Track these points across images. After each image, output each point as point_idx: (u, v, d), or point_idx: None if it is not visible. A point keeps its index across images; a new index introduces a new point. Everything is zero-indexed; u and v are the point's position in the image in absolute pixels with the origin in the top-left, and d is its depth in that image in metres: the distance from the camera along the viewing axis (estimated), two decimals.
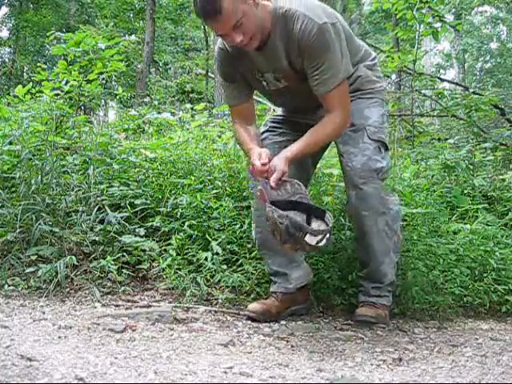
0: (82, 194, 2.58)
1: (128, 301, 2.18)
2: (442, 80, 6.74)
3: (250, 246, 2.37)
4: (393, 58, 5.18)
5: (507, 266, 2.59)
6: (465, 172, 3.58)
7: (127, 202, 2.60)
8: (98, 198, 2.57)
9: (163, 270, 2.31)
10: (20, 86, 3.45)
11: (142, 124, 4.47)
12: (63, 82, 3.55)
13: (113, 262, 2.27)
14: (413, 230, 2.52)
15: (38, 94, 3.56)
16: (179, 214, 2.52)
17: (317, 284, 2.33)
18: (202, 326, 1.93)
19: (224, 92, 2.16)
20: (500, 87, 14.48)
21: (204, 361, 1.51)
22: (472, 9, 19.98)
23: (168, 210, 2.57)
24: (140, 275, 2.39)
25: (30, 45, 19.03)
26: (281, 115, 2.26)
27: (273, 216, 1.70)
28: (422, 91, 5.71)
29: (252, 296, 2.25)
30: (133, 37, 16.74)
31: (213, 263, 2.28)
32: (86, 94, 3.65)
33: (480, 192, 3.46)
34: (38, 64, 4.79)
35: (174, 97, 13.28)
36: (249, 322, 2.04)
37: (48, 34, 4.16)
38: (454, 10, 18.15)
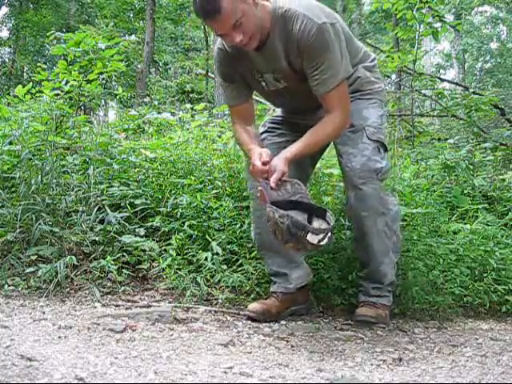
0: (82, 194, 2.58)
1: (128, 301, 2.18)
2: (442, 80, 6.74)
3: (249, 245, 2.37)
4: (393, 58, 5.18)
5: (507, 265, 2.59)
6: (465, 172, 3.58)
7: (127, 201, 2.60)
8: (98, 198, 2.57)
9: (163, 270, 2.31)
10: (20, 86, 3.45)
11: (142, 124, 4.47)
12: (63, 82, 3.55)
13: (113, 262, 2.27)
14: (413, 230, 2.52)
15: (37, 94, 3.56)
16: (179, 214, 2.52)
17: (317, 284, 2.33)
18: (202, 326, 1.93)
19: (223, 92, 2.16)
20: (500, 87, 14.49)
21: (204, 361, 1.52)
22: (472, 9, 19.98)
23: (168, 210, 2.57)
24: (140, 275, 2.39)
25: (30, 45, 19.03)
26: (280, 116, 2.26)
27: (273, 216, 1.70)
28: (422, 91, 5.71)
29: (252, 296, 2.25)
30: (133, 37, 16.77)
31: (213, 263, 2.28)
32: (86, 94, 3.65)
33: (480, 192, 3.46)
34: (38, 64, 4.79)
35: (174, 97, 13.29)
36: (249, 322, 2.04)
37: (48, 34, 4.17)
38: (454, 9, 18.15)
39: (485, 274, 2.53)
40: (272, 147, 2.05)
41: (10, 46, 19.33)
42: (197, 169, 2.90)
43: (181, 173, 2.87)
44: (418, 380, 1.47)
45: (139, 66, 13.54)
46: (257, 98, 3.18)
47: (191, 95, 13.86)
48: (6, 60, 19.48)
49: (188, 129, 3.79)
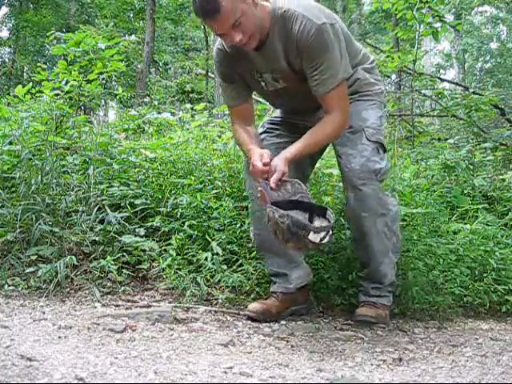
0: (82, 194, 2.58)
1: (128, 301, 2.18)
2: (442, 80, 6.74)
3: (249, 245, 2.37)
4: (393, 58, 5.18)
5: (507, 265, 2.59)
6: (465, 172, 3.58)
7: (127, 201, 2.60)
8: (98, 198, 2.57)
9: (163, 270, 2.31)
10: (20, 86, 3.45)
11: (142, 124, 4.46)
12: (63, 82, 3.55)
13: (113, 262, 2.27)
14: (413, 230, 2.52)
15: (37, 94, 3.56)
16: (179, 213, 2.52)
17: (317, 284, 2.33)
18: (202, 326, 1.93)
19: (223, 93, 2.16)
20: (500, 87, 14.49)
21: (204, 361, 1.52)
22: (472, 9, 19.99)
23: (168, 210, 2.57)
24: (140, 275, 2.39)
25: (30, 45, 19.04)
26: (278, 117, 2.26)
27: (274, 216, 1.70)
28: (422, 91, 5.71)
29: (252, 296, 2.25)
30: (133, 37, 16.77)
31: (213, 263, 2.28)
32: (86, 94, 3.64)
33: (480, 192, 3.46)
34: (38, 64, 4.79)
35: (174, 97, 13.29)
36: (249, 322, 2.04)
37: (48, 34, 4.16)
38: (454, 9, 18.16)
39: (485, 274, 2.53)
40: (271, 148, 2.05)
41: (10, 46, 19.33)
42: (197, 169, 2.90)
43: (181, 173, 2.87)
44: (418, 380, 1.47)
45: (139, 66, 13.55)
46: (257, 98, 3.18)
47: (191, 95, 13.87)
48: (6, 60, 19.48)
49: (188, 129, 3.79)
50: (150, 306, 2.10)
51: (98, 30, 14.19)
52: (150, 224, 2.54)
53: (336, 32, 1.90)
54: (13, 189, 2.64)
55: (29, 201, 2.44)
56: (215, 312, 2.12)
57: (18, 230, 2.37)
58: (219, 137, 3.57)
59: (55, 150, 2.79)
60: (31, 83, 3.61)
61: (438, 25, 5.04)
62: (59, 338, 1.65)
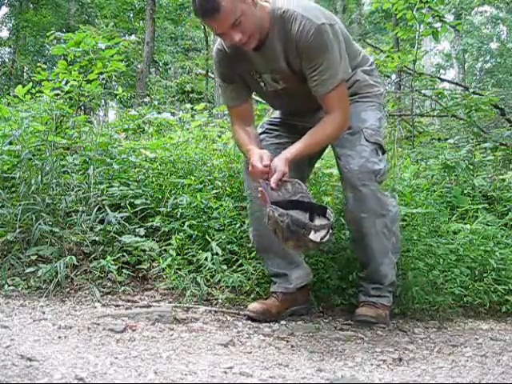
0: (82, 194, 2.58)
1: (128, 301, 2.18)
2: (442, 80, 6.74)
3: (249, 245, 2.37)
4: (393, 58, 5.18)
5: (507, 265, 2.59)
6: (465, 172, 3.58)
7: (127, 201, 2.60)
8: (98, 198, 2.57)
9: (163, 270, 2.31)
10: (20, 86, 3.45)
11: (142, 124, 4.46)
12: (63, 82, 3.55)
13: (113, 262, 2.27)
14: (413, 230, 2.52)
15: (37, 94, 3.56)
16: (179, 214, 2.52)
17: (317, 284, 2.33)
18: (202, 326, 1.93)
19: (223, 93, 2.16)
20: (500, 87, 14.49)
21: (204, 361, 1.52)
22: (472, 9, 19.98)
23: (168, 210, 2.57)
24: (140, 275, 2.39)
25: (30, 45, 19.04)
26: (278, 118, 2.26)
27: (273, 215, 1.70)
28: (422, 91, 5.71)
29: (252, 296, 2.25)
30: (133, 37, 16.77)
31: (213, 263, 2.28)
32: (86, 94, 3.64)
33: (480, 192, 3.46)
34: (38, 64, 4.79)
35: (174, 97, 13.29)
36: (249, 321, 2.04)
37: (48, 34, 4.16)
38: (454, 9, 18.16)
39: (485, 274, 2.53)
40: (270, 148, 2.05)
41: (10, 46, 19.33)
42: (197, 169, 2.90)
43: (181, 173, 2.87)
44: (418, 380, 1.47)
45: (139, 66, 13.55)
46: (257, 98, 3.18)
47: (191, 95, 13.87)
48: (6, 60, 19.49)
49: (188, 129, 3.79)
50: (150, 306, 2.10)
51: (98, 29, 14.19)
52: (150, 224, 2.54)
53: (335, 32, 1.90)
54: (13, 189, 2.64)
55: (29, 201, 2.44)
56: (215, 312, 2.12)
57: (18, 230, 2.37)
58: (219, 137, 3.57)
59: (55, 150, 2.79)
60: (31, 83, 3.61)
61: (438, 25, 5.04)
62: (59, 338, 1.65)
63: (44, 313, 1.97)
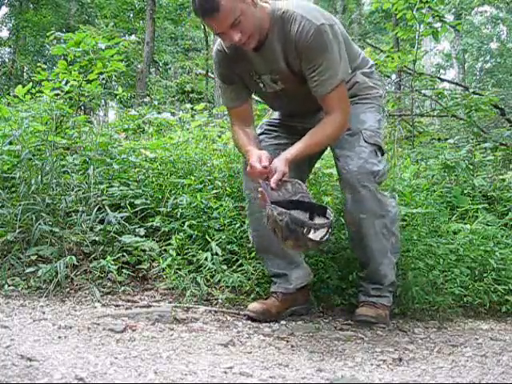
0: (82, 194, 2.58)
1: (128, 301, 2.18)
2: (442, 80, 6.73)
3: (249, 245, 2.37)
4: (393, 58, 5.18)
5: (507, 265, 2.59)
6: (465, 172, 3.58)
7: (127, 202, 2.60)
8: (98, 198, 2.57)
9: (163, 270, 2.31)
10: (20, 86, 3.45)
11: (142, 124, 4.46)
12: (63, 82, 3.55)
13: (113, 262, 2.27)
14: (413, 230, 2.52)
15: (37, 94, 3.56)
16: (179, 213, 2.52)
17: (317, 284, 2.33)
18: (202, 326, 1.93)
19: (222, 94, 2.16)
20: (500, 87, 14.50)
21: (204, 361, 1.52)
22: (472, 9, 19.99)
23: (168, 210, 2.57)
24: (140, 275, 2.39)
25: (30, 45, 19.04)
26: (277, 119, 2.26)
27: (272, 214, 1.70)
28: (422, 91, 5.71)
29: (252, 296, 2.25)
30: (133, 37, 16.78)
31: (213, 263, 2.28)
32: (86, 94, 3.65)
33: (480, 192, 3.45)
34: (38, 64, 4.79)
35: (174, 97, 13.29)
36: (249, 321, 2.04)
37: (48, 34, 4.16)
38: (454, 9, 18.16)
39: (485, 274, 2.53)
40: (268, 149, 2.05)
41: (10, 46, 19.33)
42: (197, 169, 2.90)
43: (181, 173, 2.87)
44: (418, 380, 1.47)
45: (139, 66, 13.55)
46: (257, 99, 3.18)
47: (191, 95, 13.87)
48: (6, 60, 19.48)
49: (188, 129, 3.79)
50: (150, 306, 2.10)
51: (98, 29, 14.19)
52: (150, 224, 2.54)
53: (335, 33, 1.90)
54: (13, 189, 2.64)
55: (29, 201, 2.44)
56: (215, 312, 2.12)
57: (18, 230, 2.37)
58: (219, 137, 3.57)
59: (55, 150, 2.79)
60: (31, 83, 3.61)
61: (438, 25, 5.04)
62: (59, 338, 1.65)
63: (44, 313, 1.97)
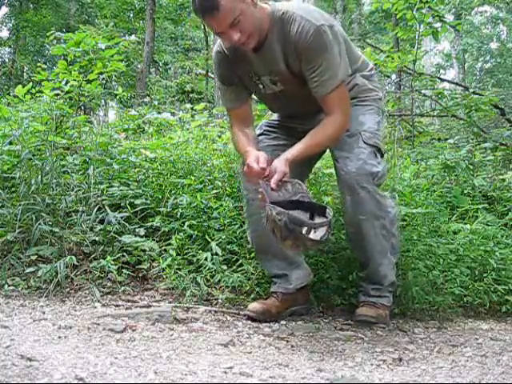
0: (82, 193, 2.58)
1: (128, 301, 2.18)
2: (442, 80, 6.73)
3: (249, 246, 2.37)
4: (393, 58, 5.18)
5: (507, 265, 2.59)
6: (465, 172, 3.58)
7: (127, 201, 2.60)
8: (98, 198, 2.57)
9: (163, 270, 2.31)
10: (20, 86, 3.45)
11: (142, 124, 4.47)
12: (63, 82, 3.55)
13: (113, 262, 2.27)
14: (413, 230, 2.52)
15: (37, 94, 3.56)
16: (179, 214, 2.52)
17: (317, 284, 2.33)
18: (202, 326, 1.93)
19: (221, 95, 2.16)
20: (500, 87, 14.49)
21: (204, 361, 1.52)
22: (472, 9, 19.99)
23: (168, 210, 2.57)
24: (140, 275, 2.39)
25: (30, 45, 19.04)
26: (276, 120, 2.26)
27: (271, 214, 1.71)
28: (422, 91, 5.70)
29: (252, 296, 2.25)
30: (133, 37, 16.78)
31: (213, 263, 2.28)
32: (86, 94, 3.65)
33: (480, 192, 3.45)
34: (38, 64, 4.79)
35: (174, 97, 13.29)
36: (249, 321, 2.04)
37: (48, 34, 4.17)
38: (454, 9, 18.15)
39: (485, 274, 2.53)
40: (267, 150, 2.05)
41: (10, 46, 19.33)
42: (197, 169, 2.90)
43: (181, 173, 2.87)
44: (418, 380, 1.47)
45: (139, 66, 13.55)
46: (257, 99, 3.18)
47: (191, 95, 13.87)
48: (6, 60, 19.49)
49: (188, 129, 3.79)
50: (150, 306, 2.10)
51: (98, 29, 14.18)
52: (150, 224, 2.54)
53: (335, 34, 1.90)
54: (13, 189, 2.64)
55: (29, 201, 2.44)
56: (215, 312, 2.12)
57: (18, 230, 2.37)
58: (219, 137, 3.57)
59: (55, 150, 2.79)
60: (31, 83, 3.61)
61: (438, 25, 5.04)
62: (59, 338, 1.65)
63: (44, 313, 1.97)
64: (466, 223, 2.85)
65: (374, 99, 2.14)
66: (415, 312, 2.32)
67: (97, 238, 2.40)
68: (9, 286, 2.20)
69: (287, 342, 1.83)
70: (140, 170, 2.87)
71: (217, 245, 2.34)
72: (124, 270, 2.32)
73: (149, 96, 10.95)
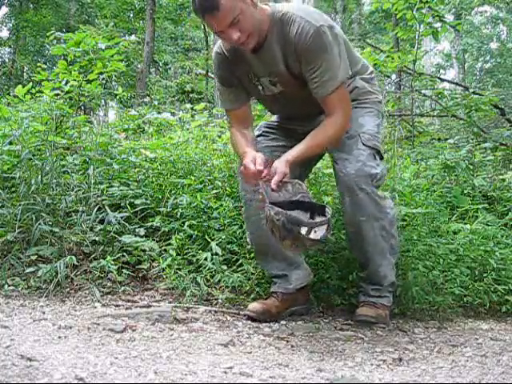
0: (82, 194, 2.58)
1: (128, 301, 2.18)
2: (442, 80, 6.73)
3: (249, 246, 2.37)
4: (393, 58, 5.18)
5: (507, 265, 2.59)
6: (465, 172, 3.58)
7: (127, 201, 2.60)
8: (98, 198, 2.57)
9: (163, 270, 2.31)
10: (20, 86, 3.45)
11: (142, 124, 4.47)
12: (63, 82, 3.55)
13: (113, 262, 2.27)
14: (413, 230, 2.52)
15: (37, 94, 3.56)
16: (179, 213, 2.52)
17: (317, 284, 2.33)
18: (202, 326, 1.93)
19: (220, 96, 2.15)
20: (500, 87, 14.49)
21: (204, 361, 1.52)
22: (472, 9, 19.98)
23: (168, 209, 2.57)
24: (140, 275, 2.39)
25: (30, 45, 19.04)
26: (276, 121, 2.26)
27: (270, 214, 1.71)
28: (422, 91, 5.70)
29: (252, 296, 2.25)
30: (133, 37, 16.77)
31: (213, 263, 2.28)
32: (86, 94, 3.65)
33: (480, 192, 3.45)
34: (38, 64, 4.79)
35: (174, 97, 13.29)
36: (249, 321, 2.04)
37: (48, 34, 4.17)
38: (454, 9, 18.15)
39: (485, 274, 2.53)
40: (265, 150, 2.06)
41: (10, 46, 19.33)
42: (197, 169, 2.90)
43: (181, 173, 2.87)
44: (418, 380, 1.47)
45: (139, 66, 13.55)
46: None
47: (191, 95, 13.86)
48: (6, 60, 19.48)
49: (188, 129, 3.79)
50: (150, 306, 2.10)
51: (98, 29, 14.18)
52: (150, 224, 2.54)
53: (334, 35, 1.90)
54: (13, 189, 2.64)
55: (29, 201, 2.44)
56: (215, 312, 2.12)
57: (18, 230, 2.37)
58: (219, 137, 3.57)
59: (55, 150, 2.79)
60: (31, 83, 3.61)
61: (438, 25, 5.04)
62: (59, 338, 1.65)
63: (44, 313, 1.97)
64: (466, 223, 2.85)
65: (373, 102, 2.14)
66: (415, 312, 2.32)
67: (97, 238, 2.40)
68: (9, 285, 2.20)
69: (287, 342, 1.83)
70: (140, 170, 2.87)
71: (217, 245, 2.34)
72: (124, 270, 2.32)
73: (149, 96, 10.95)
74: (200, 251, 2.36)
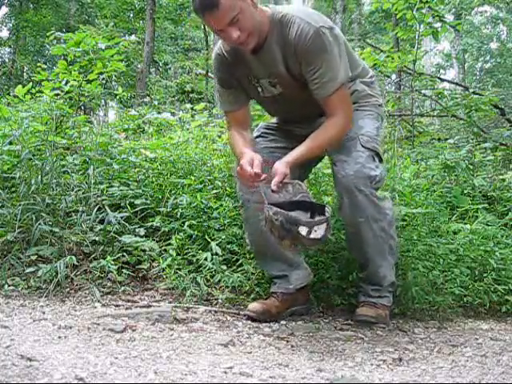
0: (82, 194, 2.58)
1: (128, 301, 2.18)
2: (442, 80, 6.73)
3: (248, 247, 2.37)
4: (393, 58, 5.18)
5: (507, 266, 2.59)
6: (465, 172, 3.58)
7: (127, 201, 2.60)
8: (98, 198, 2.57)
9: (163, 270, 2.31)
10: (20, 86, 3.45)
11: (142, 124, 4.47)
12: (63, 82, 3.55)
13: (113, 262, 2.27)
14: (413, 230, 2.52)
15: (37, 94, 3.56)
16: (179, 214, 2.52)
17: (317, 284, 2.33)
18: (202, 326, 1.93)
19: (220, 98, 2.15)
20: (500, 87, 14.49)
21: (204, 361, 1.52)
22: (472, 9, 19.98)
23: (168, 209, 2.57)
24: (140, 275, 2.39)
25: (30, 45, 19.04)
26: (275, 123, 2.26)
27: (268, 214, 1.71)
28: (422, 91, 5.70)
29: (252, 296, 2.25)
30: (133, 37, 16.77)
31: (213, 263, 2.28)
32: (86, 94, 3.65)
33: (480, 192, 3.45)
34: (38, 64, 4.79)
35: (174, 97, 13.29)
36: (249, 321, 2.04)
37: (48, 34, 4.17)
38: (454, 9, 18.15)
39: (485, 274, 2.53)
40: (263, 151, 2.05)
41: (10, 46, 19.33)
42: (197, 169, 2.90)
43: (181, 173, 2.87)
44: (418, 380, 1.47)
45: (139, 66, 13.55)
46: None
47: (191, 95, 13.87)
48: (6, 60, 19.48)
49: (188, 129, 3.79)
50: (150, 306, 2.10)
51: (98, 29, 14.19)
52: (150, 224, 2.54)
53: (334, 36, 1.90)
54: (13, 189, 2.64)
55: (29, 201, 2.44)
56: (215, 312, 2.12)
57: (18, 230, 2.37)
58: (219, 137, 3.57)
59: (55, 150, 2.79)
60: (31, 83, 3.61)
61: (438, 25, 5.04)
62: (59, 337, 1.65)
63: (44, 313, 1.97)
64: (466, 223, 2.85)
65: (373, 105, 2.13)
66: (415, 312, 2.32)
67: (97, 238, 2.40)
68: (9, 286, 2.20)
69: (287, 342, 1.83)
70: (140, 170, 2.87)
71: (217, 245, 2.34)
72: (124, 270, 2.32)
73: (149, 96, 10.96)
74: (200, 251, 2.36)
